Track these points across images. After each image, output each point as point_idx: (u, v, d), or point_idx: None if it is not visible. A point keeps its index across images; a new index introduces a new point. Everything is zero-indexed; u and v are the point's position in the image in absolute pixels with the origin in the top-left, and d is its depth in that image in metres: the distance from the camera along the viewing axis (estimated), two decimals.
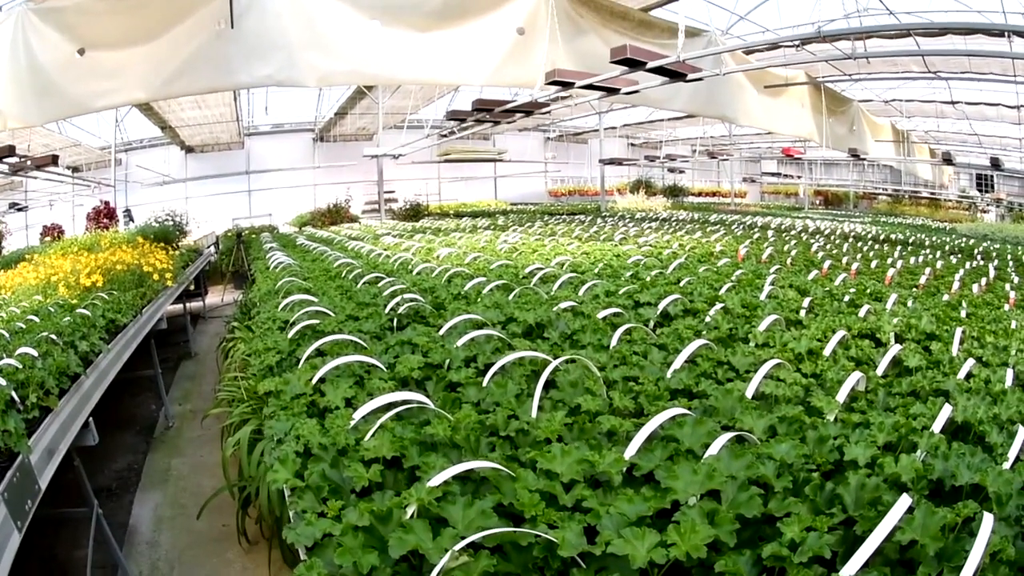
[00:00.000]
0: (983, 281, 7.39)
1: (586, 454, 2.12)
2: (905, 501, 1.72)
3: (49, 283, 6.31)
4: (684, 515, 1.82)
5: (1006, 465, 2.23)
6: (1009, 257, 10.77)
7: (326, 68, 8.29)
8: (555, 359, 3.01)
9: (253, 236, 15.87)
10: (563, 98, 10.34)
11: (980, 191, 32.33)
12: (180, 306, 10.88)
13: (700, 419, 2.37)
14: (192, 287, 11.76)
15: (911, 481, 2.03)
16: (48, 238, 14.60)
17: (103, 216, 15.18)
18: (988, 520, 1.64)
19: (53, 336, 4.20)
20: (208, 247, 15.31)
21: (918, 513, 1.76)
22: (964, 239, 14.85)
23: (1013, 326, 4.83)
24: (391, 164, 21.60)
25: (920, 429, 2.44)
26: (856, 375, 2.99)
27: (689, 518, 1.79)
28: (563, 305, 4.54)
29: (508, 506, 1.95)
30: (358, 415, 2.55)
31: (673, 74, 7.28)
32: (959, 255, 11.00)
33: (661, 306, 4.55)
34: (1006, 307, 5.91)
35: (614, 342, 3.59)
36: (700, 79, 7.77)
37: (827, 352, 3.57)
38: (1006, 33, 10.93)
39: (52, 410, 3.44)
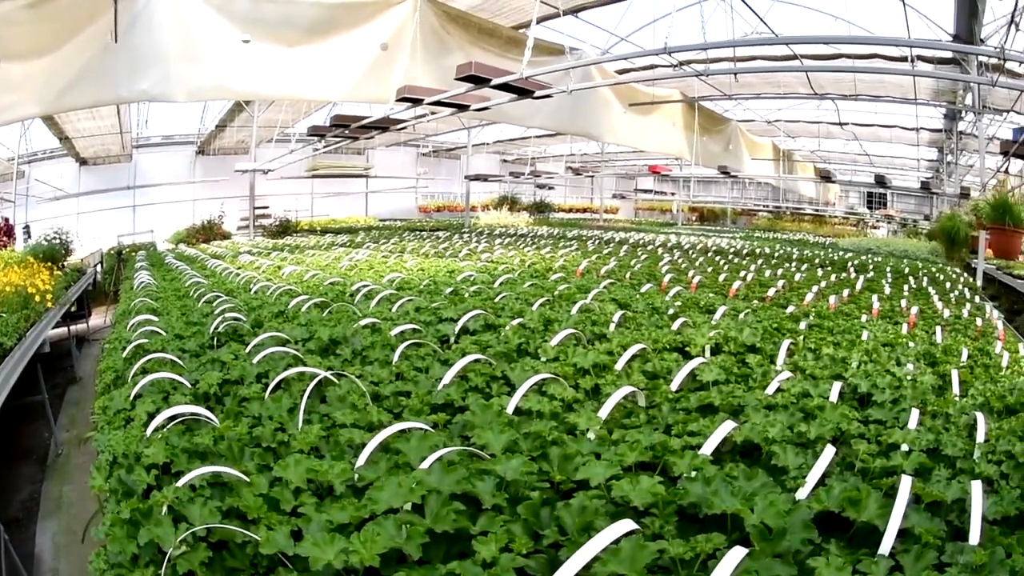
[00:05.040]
0: (845, 293, 7.31)
1: (315, 464, 2.29)
2: (621, 527, 1.65)
3: None
4: (378, 524, 1.90)
5: (802, 492, 2.12)
6: (888, 269, 10.64)
7: (195, 83, 8.26)
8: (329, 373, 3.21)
9: (132, 254, 15.50)
10: (421, 116, 10.46)
11: (870, 208, 33.43)
12: (65, 329, 10.59)
13: (427, 434, 2.51)
14: (75, 308, 11.42)
15: (650, 507, 1.99)
16: None
17: (2, 234, 14.70)
18: (734, 556, 1.53)
19: None
20: (94, 265, 14.86)
21: (626, 544, 1.67)
22: (842, 252, 14.93)
23: (864, 337, 4.75)
24: (266, 179, 21.18)
25: (682, 449, 2.40)
26: (625, 389, 2.98)
27: (383, 528, 1.88)
28: (363, 322, 4.69)
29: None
30: (150, 428, 2.74)
31: (522, 91, 7.48)
32: (828, 267, 10.86)
33: (461, 322, 4.66)
34: (864, 318, 5.81)
35: (395, 358, 3.75)
36: (550, 95, 7.95)
37: (619, 366, 3.56)
38: (908, 57, 11.02)
39: None
